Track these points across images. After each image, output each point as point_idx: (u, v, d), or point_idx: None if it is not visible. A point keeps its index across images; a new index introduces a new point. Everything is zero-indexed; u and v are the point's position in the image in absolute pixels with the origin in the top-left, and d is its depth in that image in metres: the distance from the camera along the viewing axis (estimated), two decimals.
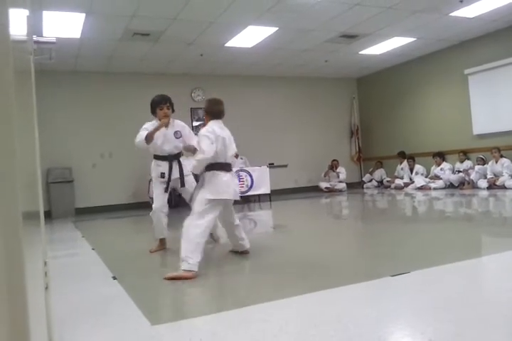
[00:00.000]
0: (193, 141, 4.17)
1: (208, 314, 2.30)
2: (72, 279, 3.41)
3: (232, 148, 3.62)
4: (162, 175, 4.28)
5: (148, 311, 2.38)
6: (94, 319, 2.37)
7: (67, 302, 2.67)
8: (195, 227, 3.30)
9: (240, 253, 3.96)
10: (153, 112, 4.32)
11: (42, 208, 1.92)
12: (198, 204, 3.39)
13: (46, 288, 1.82)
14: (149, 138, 4.12)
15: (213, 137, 3.40)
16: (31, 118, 1.84)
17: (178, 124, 4.39)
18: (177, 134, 4.30)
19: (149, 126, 4.25)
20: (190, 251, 3.21)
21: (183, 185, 4.31)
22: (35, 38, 2.10)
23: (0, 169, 0.57)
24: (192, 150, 4.18)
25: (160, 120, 4.23)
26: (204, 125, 3.63)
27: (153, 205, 4.33)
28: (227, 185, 3.46)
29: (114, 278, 3.26)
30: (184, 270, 3.16)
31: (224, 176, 3.46)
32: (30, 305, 0.74)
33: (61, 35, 7.11)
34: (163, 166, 4.29)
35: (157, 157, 4.36)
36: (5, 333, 0.52)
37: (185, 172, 4.31)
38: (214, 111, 3.61)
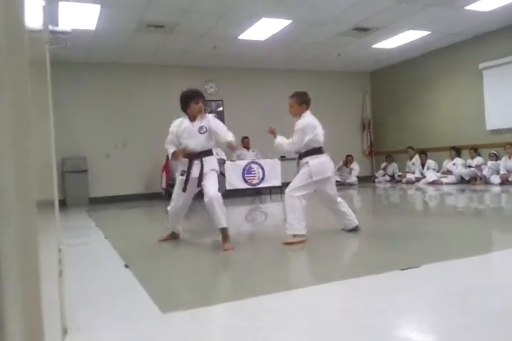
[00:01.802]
0: (223, 131, 4.02)
1: (219, 303, 2.33)
2: (85, 267, 3.46)
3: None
4: (182, 173, 4.07)
5: (159, 299, 2.41)
6: (106, 306, 2.41)
7: (79, 289, 2.71)
8: (300, 198, 3.85)
9: (349, 230, 4.29)
10: (186, 107, 4.03)
11: (57, 197, 1.96)
12: (301, 179, 3.92)
13: (60, 274, 1.86)
14: (174, 158, 4.07)
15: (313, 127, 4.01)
16: (47, 108, 1.86)
17: (205, 119, 4.09)
18: (202, 129, 4.01)
19: (175, 127, 4.07)
20: (299, 218, 3.79)
21: (199, 185, 4.00)
22: (50, 27, 2.13)
23: (16, 158, 0.59)
24: (234, 147, 4.06)
25: (193, 115, 4.04)
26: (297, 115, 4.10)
27: (170, 205, 4.24)
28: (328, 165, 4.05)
29: (126, 266, 3.30)
30: (298, 235, 3.77)
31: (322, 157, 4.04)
32: (43, 291, 0.77)
33: (76, 26, 7.15)
34: (185, 164, 4.05)
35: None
36: (18, 317, 0.55)
37: (205, 170, 3.99)
38: (309, 101, 4.11)
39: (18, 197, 0.58)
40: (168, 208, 4.28)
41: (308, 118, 4.04)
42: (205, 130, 4.01)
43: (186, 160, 4.03)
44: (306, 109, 4.08)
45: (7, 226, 0.51)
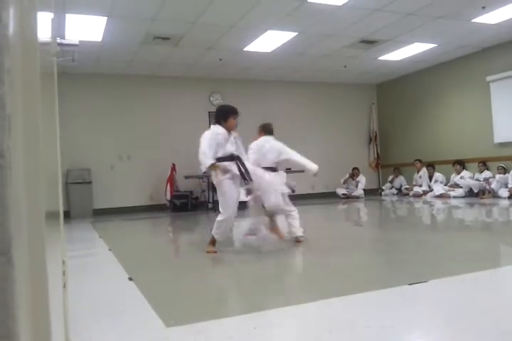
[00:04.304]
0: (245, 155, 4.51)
1: (224, 317, 2.30)
2: (88, 279, 3.44)
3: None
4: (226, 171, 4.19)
5: (163, 313, 2.38)
6: (109, 319, 2.39)
7: (82, 302, 2.69)
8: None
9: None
10: (224, 120, 4.33)
11: (62, 208, 1.95)
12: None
13: (64, 286, 1.85)
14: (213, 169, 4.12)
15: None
16: (54, 120, 1.86)
17: (235, 134, 4.45)
18: (236, 139, 4.39)
19: (213, 135, 4.21)
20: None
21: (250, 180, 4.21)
22: (58, 40, 2.14)
23: (26, 169, 0.58)
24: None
25: (228, 129, 4.31)
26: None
27: (221, 214, 4.17)
28: None
29: (130, 279, 3.28)
30: (302, 236, 4.50)
31: None
32: (51, 303, 0.75)
33: (83, 38, 7.21)
34: (230, 165, 4.19)
35: (221, 159, 4.21)
36: (28, 328, 0.53)
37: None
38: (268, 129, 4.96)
39: (29, 208, 0.57)
40: (220, 220, 4.17)
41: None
42: (237, 141, 4.40)
43: (229, 162, 4.21)
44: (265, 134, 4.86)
45: (19, 237, 0.50)
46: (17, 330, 0.45)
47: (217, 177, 4.11)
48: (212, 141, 4.15)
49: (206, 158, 4.09)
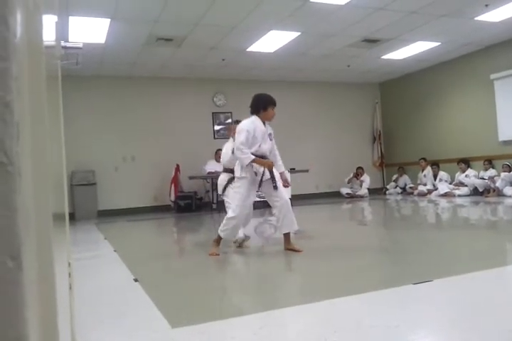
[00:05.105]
0: (276, 151, 4.31)
1: (230, 317, 2.31)
2: (93, 280, 3.45)
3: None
4: (256, 174, 4.05)
5: (169, 314, 2.39)
6: (115, 320, 2.40)
7: (88, 303, 2.71)
8: None
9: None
10: (264, 109, 4.14)
11: (67, 210, 1.96)
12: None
13: (70, 288, 1.86)
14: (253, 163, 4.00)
15: None
16: (59, 122, 1.88)
17: (269, 127, 4.27)
18: (270, 136, 4.20)
19: (251, 128, 4.02)
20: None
21: (276, 188, 4.05)
22: (62, 43, 2.15)
23: (34, 174, 0.59)
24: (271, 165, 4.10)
25: (264, 120, 4.16)
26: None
27: (233, 210, 4.09)
28: None
29: (136, 280, 3.29)
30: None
31: None
32: (58, 305, 0.76)
33: (86, 40, 7.24)
34: (257, 166, 4.05)
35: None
36: (37, 330, 0.54)
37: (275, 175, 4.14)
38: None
39: (37, 213, 0.58)
40: (229, 217, 4.08)
41: None
42: (272, 138, 4.18)
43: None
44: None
45: (28, 241, 0.51)
46: (27, 332, 0.46)
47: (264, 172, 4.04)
48: (249, 135, 3.99)
49: (243, 154, 3.95)
